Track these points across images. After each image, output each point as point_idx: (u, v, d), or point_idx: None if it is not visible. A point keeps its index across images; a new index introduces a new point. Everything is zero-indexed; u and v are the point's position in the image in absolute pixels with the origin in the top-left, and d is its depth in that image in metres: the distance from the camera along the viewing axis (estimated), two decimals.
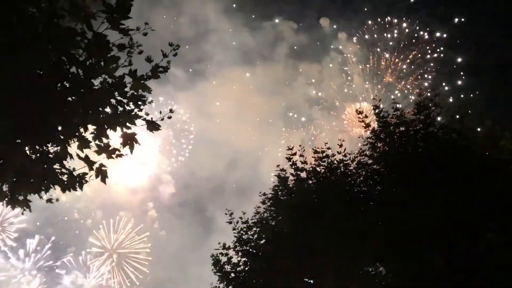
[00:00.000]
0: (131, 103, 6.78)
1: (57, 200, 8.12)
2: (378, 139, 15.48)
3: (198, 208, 75.15)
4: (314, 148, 16.33)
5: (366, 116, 16.11)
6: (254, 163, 73.61)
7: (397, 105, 15.85)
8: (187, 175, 75.20)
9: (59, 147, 6.82)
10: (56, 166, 6.94)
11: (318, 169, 16.03)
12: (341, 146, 16.62)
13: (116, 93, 6.64)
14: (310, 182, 15.98)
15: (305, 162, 16.52)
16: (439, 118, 15.59)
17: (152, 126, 6.98)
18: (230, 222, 16.92)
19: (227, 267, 16.48)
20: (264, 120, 76.66)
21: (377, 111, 15.73)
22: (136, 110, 6.84)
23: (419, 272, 13.32)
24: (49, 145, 6.81)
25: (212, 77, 74.74)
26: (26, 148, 6.66)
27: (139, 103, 6.85)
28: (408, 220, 13.47)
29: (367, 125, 15.85)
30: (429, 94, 15.99)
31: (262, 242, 16.34)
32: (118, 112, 6.71)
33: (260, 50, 76.59)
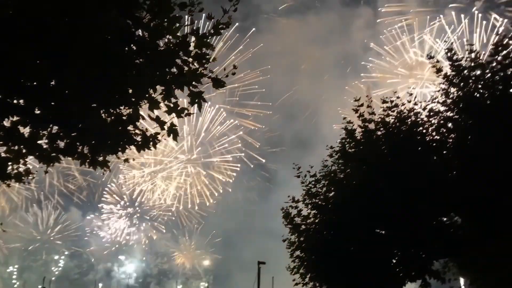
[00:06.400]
0: (195, 62, 6.86)
1: (134, 159, 8.57)
2: (451, 84, 14.60)
3: (259, 162, 76.39)
4: (383, 98, 15.78)
5: (437, 61, 15.21)
6: (312, 115, 72.72)
7: (472, 47, 14.76)
8: (246, 129, 76.08)
9: (131, 109, 7.11)
10: (130, 127, 7.26)
11: (387, 119, 15.52)
12: (411, 94, 15.94)
13: (181, 52, 6.72)
14: (379, 133, 15.56)
15: (373, 113, 16.05)
16: None
17: (218, 83, 7.05)
18: (298, 176, 17.02)
19: (297, 220, 16.73)
20: (320, 71, 74.90)
21: (449, 54, 14.76)
22: (200, 68, 6.92)
23: (498, 221, 12.79)
24: (121, 108, 7.11)
25: (263, 30, 73.48)
26: (101, 111, 7.00)
27: (203, 61, 6.90)
28: (485, 169, 12.83)
29: (439, 70, 14.96)
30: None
31: (331, 194, 16.36)
32: (184, 71, 6.82)
33: None
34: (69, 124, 7.02)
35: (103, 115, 7.07)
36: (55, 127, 7.11)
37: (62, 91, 6.57)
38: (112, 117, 7.15)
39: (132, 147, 7.42)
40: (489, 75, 14.09)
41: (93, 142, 7.30)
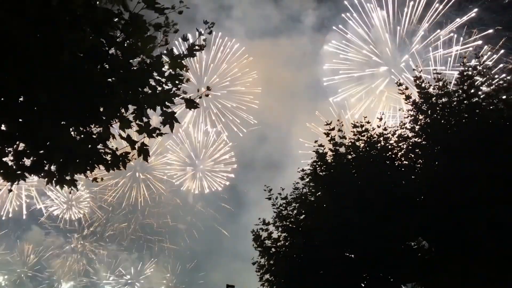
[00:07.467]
0: (169, 82, 6.85)
1: (102, 179, 8.38)
2: (420, 111, 15.06)
3: (229, 183, 75.99)
4: (353, 122, 16.09)
5: (406, 88, 15.68)
6: (284, 137, 73.28)
7: (439, 75, 15.31)
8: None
9: (101, 128, 6.99)
10: (100, 146, 7.13)
11: (357, 143, 15.79)
12: (381, 119, 16.30)
13: (155, 73, 6.71)
14: (349, 157, 15.79)
15: (343, 137, 16.32)
16: (484, 88, 14.97)
17: (191, 104, 7.04)
18: (270, 198, 17.00)
19: (268, 242, 16.64)
20: (292, 93, 75.86)
21: (417, 82, 15.26)
22: (174, 89, 6.91)
23: (463, 246, 13.05)
24: (92, 126, 6.99)
25: (236, 51, 74.23)
26: (71, 129, 6.87)
27: (177, 82, 6.90)
28: (451, 194, 13.15)
29: (408, 97, 15.42)
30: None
31: (301, 217, 16.38)
32: (157, 91, 6.79)
33: (284, 22, 75.53)
34: (36, 142, 6.85)
35: (72, 133, 6.93)
36: (22, 144, 6.91)
37: (31, 108, 6.42)
38: (82, 135, 7.01)
39: (102, 166, 7.28)
40: (455, 103, 14.61)
41: (61, 160, 7.12)
